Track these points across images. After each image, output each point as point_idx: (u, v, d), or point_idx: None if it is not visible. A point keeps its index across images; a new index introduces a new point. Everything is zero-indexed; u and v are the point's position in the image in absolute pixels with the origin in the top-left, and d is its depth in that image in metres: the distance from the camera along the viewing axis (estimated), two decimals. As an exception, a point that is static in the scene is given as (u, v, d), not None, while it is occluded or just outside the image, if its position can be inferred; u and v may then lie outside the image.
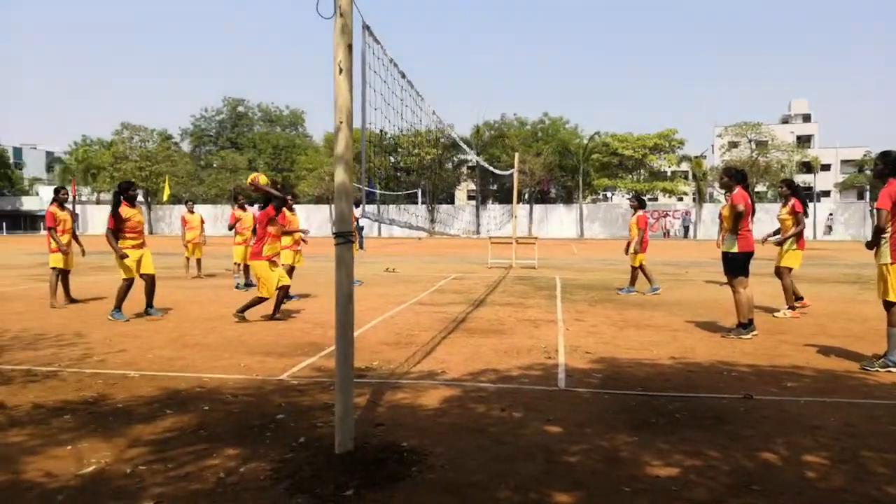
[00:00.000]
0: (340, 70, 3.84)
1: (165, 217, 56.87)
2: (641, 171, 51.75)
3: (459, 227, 42.63)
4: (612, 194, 62.61)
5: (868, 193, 48.99)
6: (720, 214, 8.25)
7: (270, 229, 8.72)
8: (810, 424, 4.37)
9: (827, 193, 62.84)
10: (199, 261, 14.70)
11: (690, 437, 4.14)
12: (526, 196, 51.72)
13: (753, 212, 7.82)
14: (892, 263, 5.87)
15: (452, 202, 61.73)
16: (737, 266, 7.65)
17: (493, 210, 51.47)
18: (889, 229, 5.88)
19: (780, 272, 9.50)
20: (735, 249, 7.60)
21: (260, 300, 8.60)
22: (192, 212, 15.06)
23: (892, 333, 5.88)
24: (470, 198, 63.11)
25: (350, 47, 3.88)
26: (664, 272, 12.06)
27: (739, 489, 3.33)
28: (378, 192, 46.63)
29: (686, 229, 47.72)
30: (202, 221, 15.16)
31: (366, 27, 4.40)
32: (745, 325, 7.53)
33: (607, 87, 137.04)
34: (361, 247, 26.14)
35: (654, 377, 5.71)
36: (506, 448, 3.92)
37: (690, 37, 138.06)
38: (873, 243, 6.04)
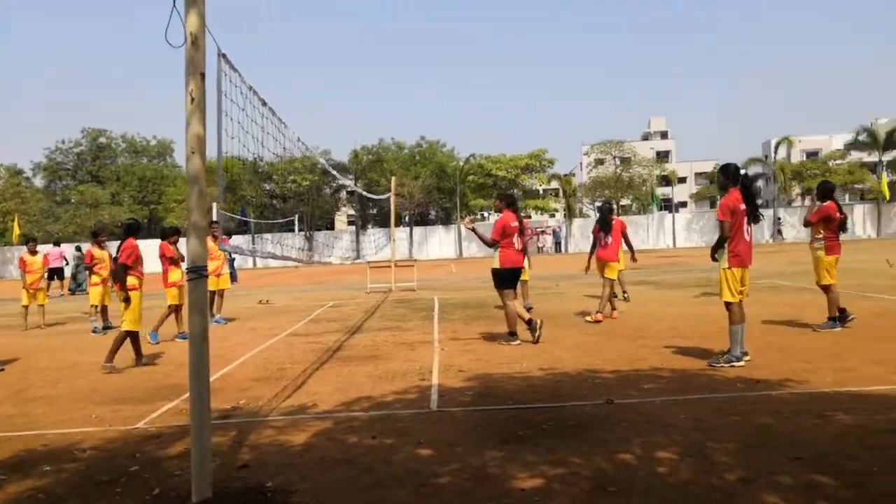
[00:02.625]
0: (192, 99, 3.71)
1: (14, 259, 52.18)
2: (515, 190, 53.54)
3: (337, 254, 42.14)
4: (489, 214, 64.32)
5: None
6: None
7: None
8: (664, 423, 4.63)
9: (684, 204, 67.70)
10: (42, 307, 13.36)
11: (555, 446, 4.26)
12: (406, 219, 52.04)
13: (521, 230, 8.48)
14: (728, 268, 6.40)
15: (332, 228, 60.98)
16: (499, 280, 8.28)
17: (374, 234, 51.24)
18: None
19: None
20: (497, 265, 8.26)
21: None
22: (33, 253, 13.52)
23: (733, 331, 6.39)
24: (350, 223, 62.61)
25: (203, 76, 3.75)
26: (536, 286, 12.47)
27: (597, 492, 3.46)
28: (252, 220, 45.31)
29: (558, 244, 49.75)
30: (45, 264, 13.91)
31: (221, 55, 4.25)
32: (513, 334, 8.15)
33: (482, 110, 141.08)
34: (234, 280, 25.16)
35: (525, 390, 5.85)
36: (375, 476, 3.86)
37: (558, 59, 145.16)
38: (716, 251, 6.57)
